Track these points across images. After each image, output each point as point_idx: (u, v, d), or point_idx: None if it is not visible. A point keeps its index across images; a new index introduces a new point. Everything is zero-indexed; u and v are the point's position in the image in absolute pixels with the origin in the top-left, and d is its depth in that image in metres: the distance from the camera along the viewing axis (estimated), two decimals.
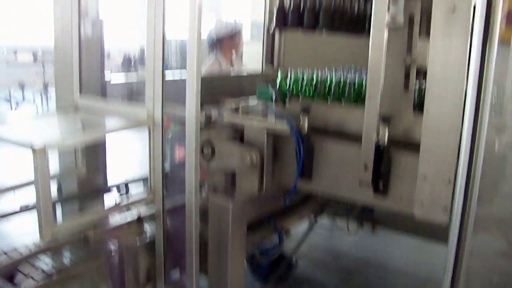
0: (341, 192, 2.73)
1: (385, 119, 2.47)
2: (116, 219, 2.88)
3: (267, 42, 4.65)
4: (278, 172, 2.87)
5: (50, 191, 2.33)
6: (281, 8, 3.17)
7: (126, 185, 3.56)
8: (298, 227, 4.23)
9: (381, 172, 2.54)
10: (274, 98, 2.69)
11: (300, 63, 3.47)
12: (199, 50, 2.47)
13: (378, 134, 2.50)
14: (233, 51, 5.52)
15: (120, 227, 2.71)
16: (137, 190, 3.60)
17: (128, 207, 2.71)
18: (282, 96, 3.06)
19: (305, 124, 2.65)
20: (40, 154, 2.25)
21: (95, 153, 3.36)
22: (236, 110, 2.82)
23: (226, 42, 5.43)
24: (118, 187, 3.50)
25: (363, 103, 2.80)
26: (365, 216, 4.56)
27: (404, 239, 5.25)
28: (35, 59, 14.63)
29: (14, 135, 2.49)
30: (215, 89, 3.59)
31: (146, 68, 2.67)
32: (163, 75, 2.63)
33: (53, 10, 3.21)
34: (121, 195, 3.51)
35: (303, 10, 3.10)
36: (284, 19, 3.16)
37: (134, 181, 3.62)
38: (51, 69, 14.06)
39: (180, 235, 2.93)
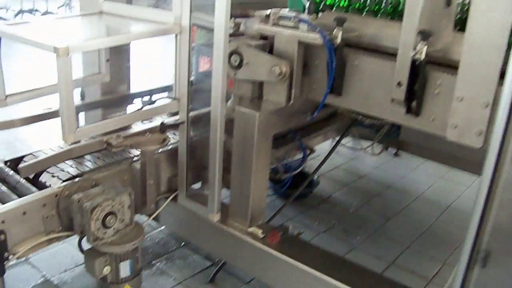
0: (372, 110, 2.64)
1: (424, 34, 2.34)
2: (139, 126, 2.85)
3: None
4: (306, 85, 2.78)
5: (72, 94, 2.27)
6: None
7: (150, 94, 3.50)
8: (322, 147, 4.18)
9: (415, 90, 2.44)
10: (307, 8, 2.55)
11: None
12: None
13: (415, 50, 2.39)
14: None
15: (143, 134, 2.67)
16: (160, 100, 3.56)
17: (152, 113, 2.65)
18: (315, 6, 2.92)
19: (338, 36, 2.52)
20: (63, 56, 2.17)
21: (119, 60, 3.29)
22: (267, 19, 2.70)
23: None
24: (141, 95, 3.45)
25: (400, 18, 2.68)
26: (390, 139, 4.49)
27: (428, 165, 5.22)
28: None
29: (36, 37, 2.41)
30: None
31: None
32: None
33: None
34: (144, 103, 3.46)
35: None
36: None
37: (158, 90, 3.57)
38: None
39: (203, 146, 2.89)
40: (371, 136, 4.37)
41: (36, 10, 12.68)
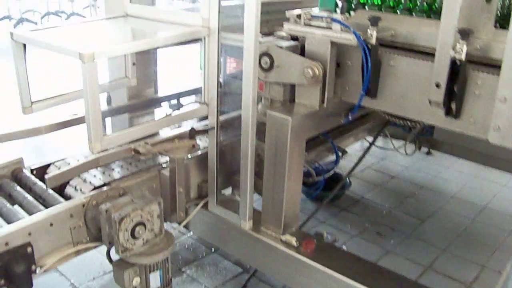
0: (408, 112, 2.54)
1: (464, 33, 2.22)
2: (167, 132, 2.77)
3: None
4: (339, 87, 2.69)
5: (98, 101, 2.21)
6: None
7: (178, 97, 3.43)
8: (351, 146, 4.08)
9: (455, 91, 2.33)
10: (340, 7, 2.45)
11: None
12: None
13: (454, 49, 2.27)
14: None
15: (171, 140, 2.59)
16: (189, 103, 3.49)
17: (180, 119, 2.58)
18: (348, 5, 2.81)
19: (373, 36, 2.42)
20: (88, 62, 2.11)
21: (145, 63, 3.22)
22: (298, 19, 2.60)
23: None
24: (169, 99, 3.38)
25: (436, 16, 2.57)
26: (423, 138, 4.37)
27: (461, 163, 5.07)
28: None
29: (61, 43, 2.35)
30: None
31: None
32: None
33: None
34: (172, 107, 3.39)
35: None
36: None
37: (186, 93, 3.50)
38: None
39: (234, 151, 2.81)
40: (403, 135, 4.26)
41: (62, 12, 12.75)
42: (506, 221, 4.14)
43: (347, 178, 4.20)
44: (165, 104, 3.37)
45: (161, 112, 3.34)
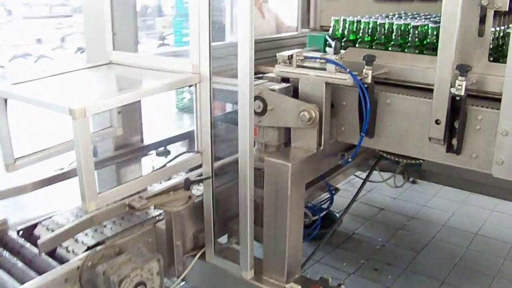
0: (408, 150, 2.49)
1: (463, 69, 2.20)
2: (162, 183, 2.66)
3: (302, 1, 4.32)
4: (334, 128, 2.63)
5: (92, 158, 2.10)
6: None
7: (165, 144, 3.33)
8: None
9: (455, 127, 2.29)
10: (333, 46, 2.40)
11: None
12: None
13: (453, 85, 2.24)
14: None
15: (166, 192, 2.49)
16: (176, 149, 3.39)
17: (174, 171, 2.48)
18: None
19: (369, 75, 2.38)
20: (80, 118, 2.01)
21: (131, 111, 3.12)
22: (289, 61, 2.55)
23: None
24: (156, 146, 3.27)
25: (428, 51, 2.55)
26: (411, 169, 4.33)
27: (446, 190, 5.04)
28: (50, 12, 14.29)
29: (48, 97, 2.25)
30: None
31: (189, 19, 2.39)
32: (210, 24, 2.34)
33: None
34: (159, 155, 3.30)
35: None
36: None
37: (173, 139, 3.40)
38: (67, 22, 13.79)
39: (228, 197, 2.72)
40: (390, 167, 4.21)
41: (30, 54, 12.59)
42: (500, 247, 4.12)
43: (337, 214, 4.12)
44: (153, 153, 3.27)
45: (149, 161, 3.23)
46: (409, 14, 3.15)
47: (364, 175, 4.62)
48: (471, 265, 3.88)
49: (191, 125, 7.59)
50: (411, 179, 5.11)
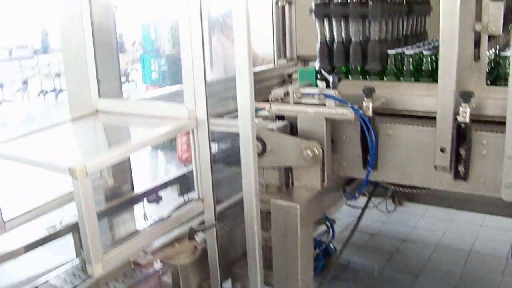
0: (413, 180, 2.46)
1: (467, 96, 2.19)
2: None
3: (277, 31, 4.28)
4: (335, 163, 2.58)
5: (95, 219, 1.98)
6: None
7: (155, 191, 3.22)
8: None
9: (461, 154, 2.27)
10: (331, 80, 2.36)
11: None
12: (249, 34, 2.13)
13: (456, 112, 2.22)
14: None
15: (171, 245, 2.38)
16: (167, 196, 3.29)
17: (178, 221, 2.38)
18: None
19: (369, 108, 2.34)
20: (81, 178, 1.90)
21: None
22: (285, 98, 2.50)
23: (228, 23, 4.77)
24: (147, 194, 3.16)
25: (424, 78, 2.53)
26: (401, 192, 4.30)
27: (433, 210, 5.04)
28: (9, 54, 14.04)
29: (41, 156, 2.13)
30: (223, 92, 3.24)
31: (183, 63, 2.31)
32: (205, 66, 2.27)
33: None
34: (151, 202, 3.18)
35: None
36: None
37: (162, 186, 3.28)
38: (28, 64, 13.55)
39: (231, 241, 2.64)
40: (380, 193, 4.17)
41: None
42: (496, 263, 4.11)
43: (332, 244, 4.05)
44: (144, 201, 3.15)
45: (140, 209, 3.12)
46: None
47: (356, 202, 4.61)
48: (471, 284, 3.86)
49: (167, 163, 7.49)
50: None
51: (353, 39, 2.66)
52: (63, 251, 2.77)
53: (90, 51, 2.72)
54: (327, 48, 2.77)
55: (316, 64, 2.83)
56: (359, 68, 2.68)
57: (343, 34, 2.70)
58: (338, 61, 2.72)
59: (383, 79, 2.62)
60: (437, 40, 3.08)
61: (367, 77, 2.67)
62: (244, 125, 2.23)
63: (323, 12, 2.73)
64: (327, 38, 2.78)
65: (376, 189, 4.01)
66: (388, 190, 3.93)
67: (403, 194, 4.44)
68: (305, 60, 4.35)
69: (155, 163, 7.44)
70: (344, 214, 4.76)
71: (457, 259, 4.21)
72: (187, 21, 2.25)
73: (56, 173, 2.03)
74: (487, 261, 4.16)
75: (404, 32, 2.88)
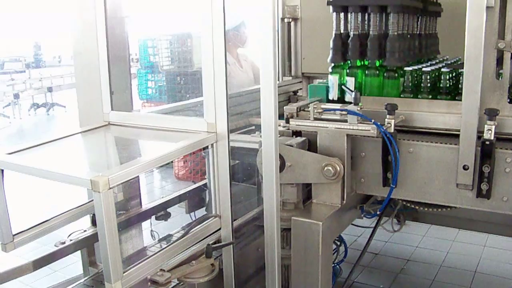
0: (434, 198, 2.42)
1: (492, 113, 2.17)
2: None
3: (283, 47, 4.27)
4: (354, 180, 2.54)
5: (117, 234, 1.93)
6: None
7: (164, 207, 3.16)
8: None
9: (485, 172, 2.24)
10: (354, 96, 2.33)
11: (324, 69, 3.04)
12: (274, 51, 2.09)
13: (482, 130, 2.21)
14: (239, 48, 4.87)
15: (187, 262, 2.32)
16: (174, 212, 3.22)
17: (196, 239, 2.32)
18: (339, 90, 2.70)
19: (392, 124, 2.31)
20: (104, 191, 1.84)
21: None
22: (296, 114, 2.47)
23: (230, 37, 4.55)
24: (156, 211, 3.09)
25: (442, 96, 2.52)
26: (406, 211, 4.26)
27: (435, 230, 4.99)
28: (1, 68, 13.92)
29: (61, 169, 2.07)
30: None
31: (204, 75, 2.27)
32: (226, 78, 2.23)
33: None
34: (158, 219, 3.12)
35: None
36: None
37: (172, 202, 3.22)
38: (20, 78, 13.45)
39: (245, 258, 2.58)
40: (385, 211, 4.13)
41: None
42: (501, 284, 4.07)
43: (337, 265, 4.00)
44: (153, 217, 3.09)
45: (147, 225, 3.05)
46: None
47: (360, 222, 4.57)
48: None
49: (162, 180, 7.36)
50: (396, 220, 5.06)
51: (371, 32, 2.62)
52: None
53: (104, 62, 2.67)
54: (341, 42, 2.72)
55: (329, 58, 2.79)
56: (377, 63, 2.64)
57: (359, 27, 2.66)
58: (353, 54, 2.67)
59: (400, 96, 2.58)
60: (448, 58, 3.10)
61: (383, 77, 2.64)
62: (267, 141, 2.19)
63: (340, 2, 2.68)
64: (342, 31, 2.73)
65: (369, 205, 4.00)
66: (394, 209, 3.93)
67: (407, 213, 4.42)
68: (309, 77, 4.34)
69: (151, 180, 7.36)
70: (344, 232, 4.71)
71: (462, 280, 4.16)
72: (209, 34, 2.22)
73: (75, 186, 1.98)
74: (493, 282, 4.12)
75: (418, 31, 2.87)
